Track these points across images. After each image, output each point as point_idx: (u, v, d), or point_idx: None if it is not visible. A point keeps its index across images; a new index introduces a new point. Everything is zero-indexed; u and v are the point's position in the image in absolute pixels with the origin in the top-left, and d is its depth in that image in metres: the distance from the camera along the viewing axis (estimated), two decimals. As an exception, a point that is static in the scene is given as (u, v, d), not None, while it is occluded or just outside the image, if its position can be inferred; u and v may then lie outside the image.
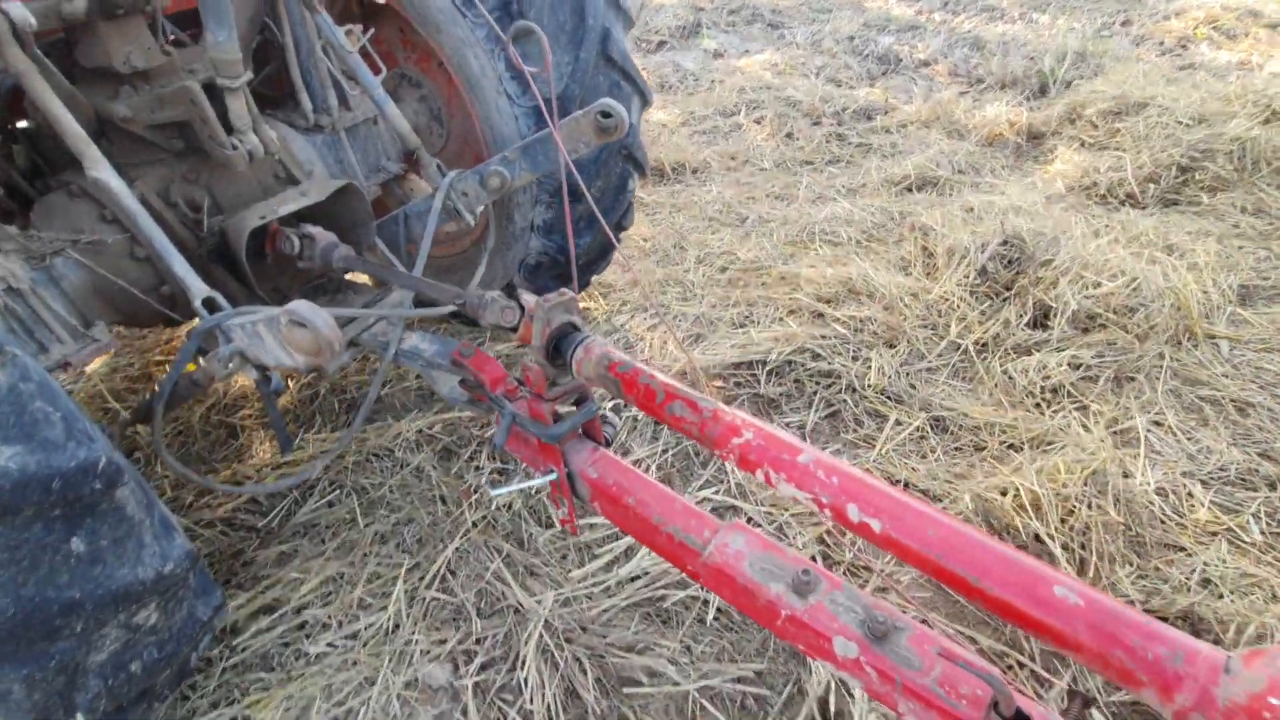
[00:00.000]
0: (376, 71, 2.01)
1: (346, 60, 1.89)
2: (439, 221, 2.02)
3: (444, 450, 2.39)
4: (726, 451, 1.22)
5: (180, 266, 1.42)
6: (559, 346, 1.51)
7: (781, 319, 2.91)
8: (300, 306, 1.09)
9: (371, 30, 2.08)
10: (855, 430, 2.43)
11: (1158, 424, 2.34)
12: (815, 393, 2.57)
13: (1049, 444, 2.18)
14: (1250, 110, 3.85)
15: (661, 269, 3.36)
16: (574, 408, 1.66)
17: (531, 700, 1.68)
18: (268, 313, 1.18)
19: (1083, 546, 1.78)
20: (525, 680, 1.71)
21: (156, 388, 1.45)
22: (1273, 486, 2.12)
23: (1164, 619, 1.73)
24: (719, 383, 2.66)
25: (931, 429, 2.37)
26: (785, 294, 3.04)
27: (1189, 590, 1.80)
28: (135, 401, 2.64)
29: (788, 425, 2.49)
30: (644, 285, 3.20)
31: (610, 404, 2.49)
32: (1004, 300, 2.76)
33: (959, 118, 4.65)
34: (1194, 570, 1.85)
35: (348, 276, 2.12)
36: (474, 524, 2.12)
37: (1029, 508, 1.91)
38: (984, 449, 2.27)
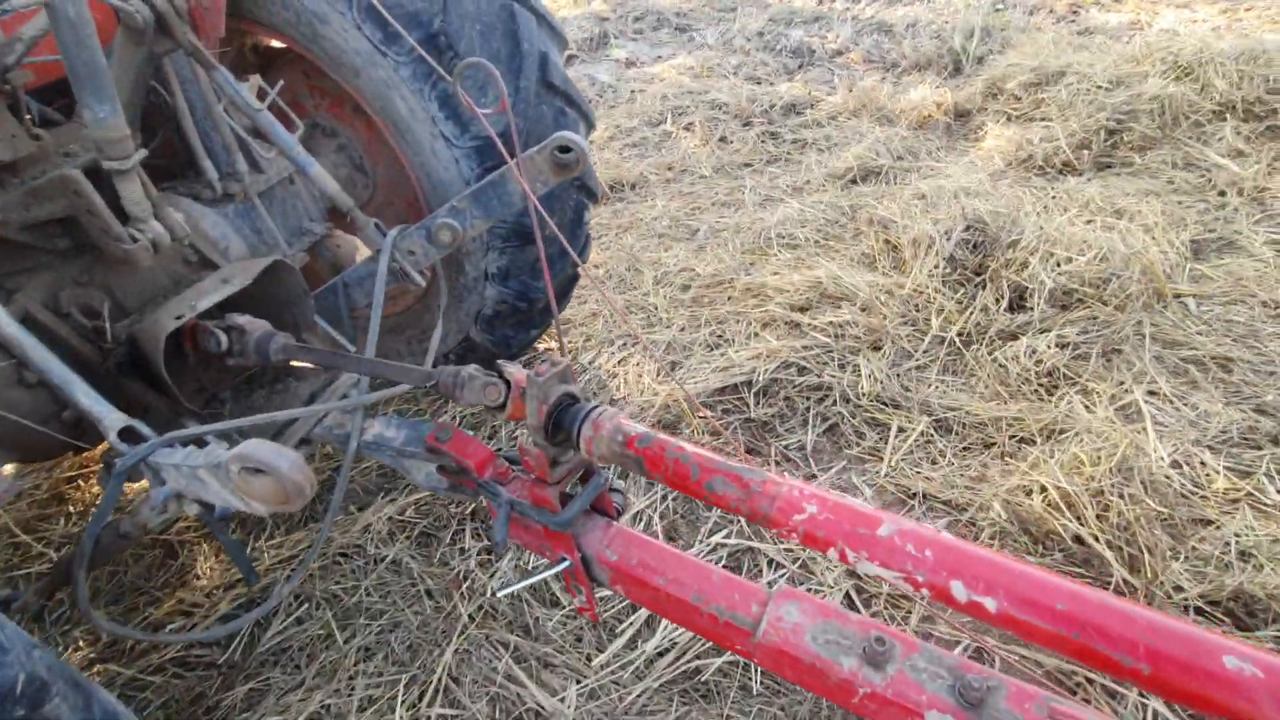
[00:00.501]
0: (292, 128, 1.76)
1: (256, 119, 1.64)
2: (384, 285, 1.79)
3: (421, 536, 2.14)
4: (788, 530, 1.05)
5: (83, 393, 1.16)
6: (560, 422, 1.31)
7: (757, 334, 2.77)
8: (256, 450, 0.86)
9: (281, 83, 1.83)
10: (858, 444, 2.31)
11: (1153, 394, 2.31)
12: (808, 409, 2.44)
13: (1060, 432, 2.12)
14: (1160, 69, 3.98)
15: (621, 295, 3.18)
16: (579, 483, 1.46)
17: (576, 823, 1.46)
18: (210, 457, 0.94)
19: (1128, 543, 1.70)
20: (565, 800, 1.49)
21: (79, 540, 1.18)
22: (1275, 441, 2.11)
23: (1217, 603, 1.66)
24: (706, 413, 2.50)
25: (936, 432, 2.27)
26: (755, 307, 2.91)
27: (1230, 567, 1.75)
28: (48, 532, 2.27)
29: (786, 448, 2.36)
30: (608, 315, 3.01)
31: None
32: (977, 286, 2.71)
33: (885, 104, 4.66)
34: (1227, 544, 1.80)
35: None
36: (470, 618, 1.89)
37: (1062, 506, 1.82)
38: (993, 446, 2.18)
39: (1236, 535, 1.82)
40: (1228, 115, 3.68)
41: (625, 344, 2.85)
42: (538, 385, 1.27)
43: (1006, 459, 2.11)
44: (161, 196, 1.44)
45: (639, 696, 1.68)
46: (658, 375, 2.67)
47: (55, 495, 2.43)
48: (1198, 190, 3.36)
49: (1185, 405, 2.25)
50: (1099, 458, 1.90)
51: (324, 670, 1.81)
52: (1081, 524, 1.75)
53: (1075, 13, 6.26)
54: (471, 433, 1.90)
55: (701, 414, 2.48)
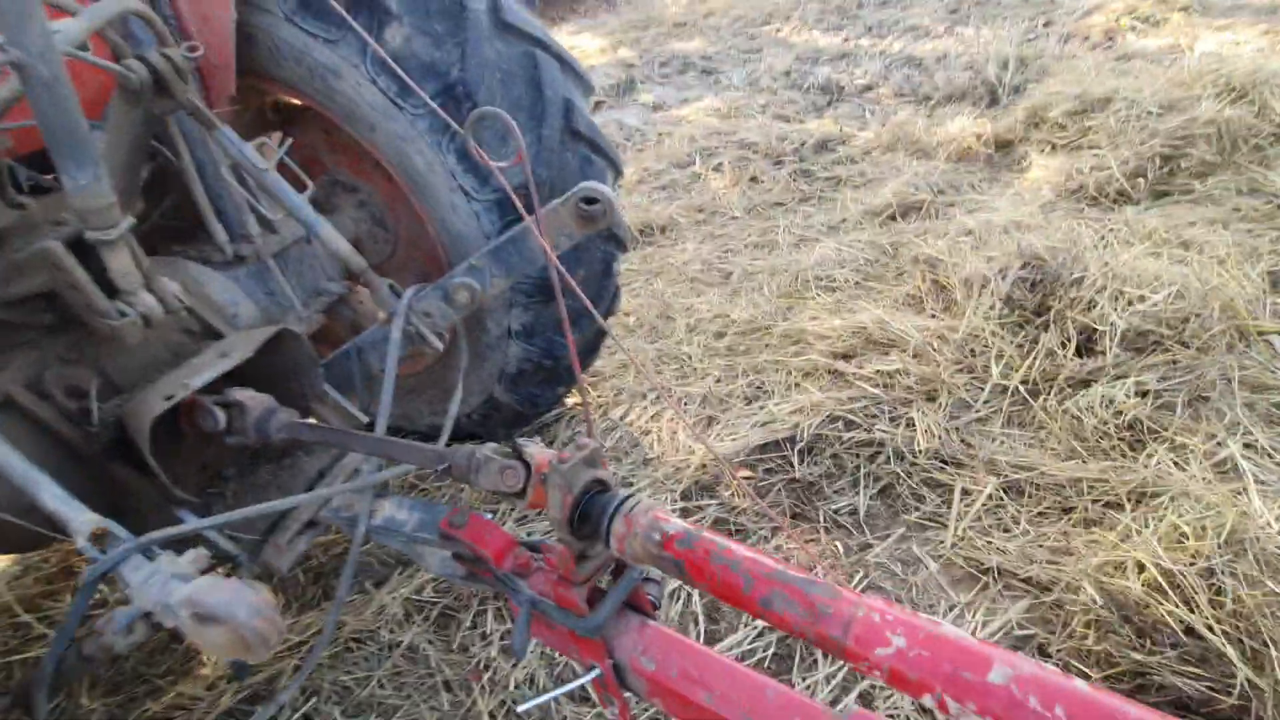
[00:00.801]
0: (301, 187, 1.66)
1: (263, 179, 1.54)
2: (400, 349, 1.66)
3: (440, 617, 1.96)
4: (869, 666, 0.86)
5: (49, 493, 1.03)
6: (587, 515, 1.14)
7: (798, 385, 2.59)
8: (210, 595, 0.71)
9: (289, 140, 1.74)
10: (916, 508, 2.09)
11: (1249, 447, 2.05)
12: (859, 467, 2.23)
13: (1151, 496, 1.87)
14: (1212, 91, 3.76)
15: (652, 345, 3.03)
16: (610, 575, 1.29)
17: None
18: (164, 590, 0.79)
19: (1249, 635, 1.45)
20: None
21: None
22: (1403, 502, 1.84)
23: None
24: (746, 473, 2.30)
25: (1006, 494, 2.04)
26: (795, 355, 2.73)
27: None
28: (53, 611, 2.16)
29: (836, 512, 2.14)
30: (638, 365, 2.86)
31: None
32: (1039, 329, 2.49)
33: (920, 137, 4.50)
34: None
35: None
36: (490, 716, 1.70)
37: (1165, 588, 1.57)
38: (1073, 511, 1.94)
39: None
40: (1292, 137, 3.44)
41: (658, 398, 2.69)
42: (561, 471, 1.11)
43: (1091, 528, 1.87)
44: (156, 265, 1.33)
45: (683, 817, 1.46)
46: (694, 431, 2.49)
47: (64, 568, 2.33)
48: (1267, 218, 3.11)
49: (1291, 461, 1.99)
50: (1203, 529, 1.66)
51: (332, 777, 1.63)
52: (1193, 610, 1.51)
53: (1111, 39, 6.07)
54: (491, 514, 1.73)
55: (740, 476, 2.28)
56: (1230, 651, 1.41)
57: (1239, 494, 1.86)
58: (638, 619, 1.34)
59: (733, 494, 2.25)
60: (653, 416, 2.65)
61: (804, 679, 1.71)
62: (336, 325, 2.14)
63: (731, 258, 3.66)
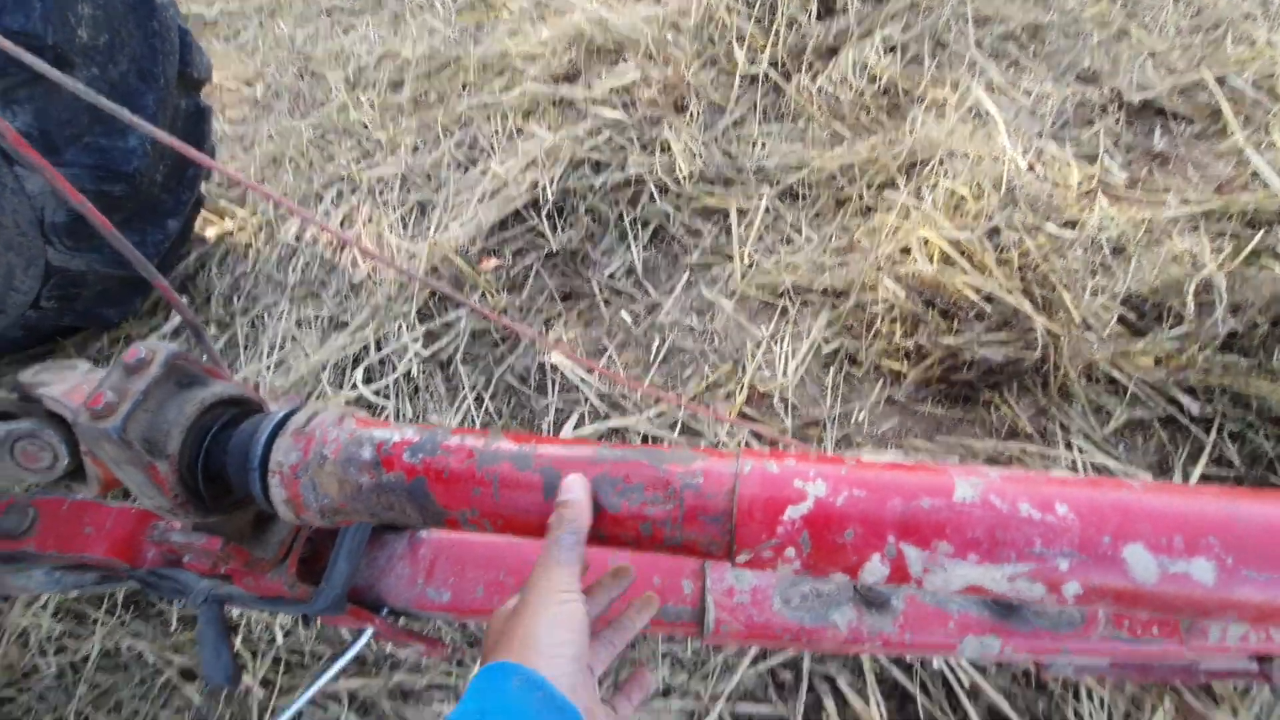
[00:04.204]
0: None
1: None
2: None
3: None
4: (778, 542, 0.51)
5: None
6: (215, 468, 0.59)
7: (520, 130, 1.99)
8: None
9: None
10: (695, 246, 1.78)
11: (990, 88, 1.98)
12: (622, 217, 1.82)
13: (921, 165, 1.73)
14: None
15: (304, 120, 2.14)
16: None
17: None
18: None
19: (1040, 284, 1.41)
20: None
21: None
22: (1104, 110, 1.92)
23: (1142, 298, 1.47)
24: (493, 262, 1.78)
25: (783, 203, 1.79)
26: (505, 90, 2.07)
27: (1110, 270, 1.56)
28: None
29: (611, 278, 1.76)
30: (301, 157, 2.00)
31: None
32: (773, -6, 2.09)
33: None
34: (1099, 241, 1.61)
35: None
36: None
37: (956, 258, 1.47)
38: (848, 202, 1.76)
39: (1100, 229, 1.63)
40: None
41: (344, 189, 1.93)
42: (125, 419, 0.52)
43: (870, 215, 1.71)
44: None
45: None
46: (405, 229, 1.85)
47: None
48: None
49: (1019, 92, 1.96)
50: (979, 187, 1.56)
51: None
52: (987, 275, 1.43)
53: None
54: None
55: (486, 269, 1.76)
56: (1026, 306, 1.37)
57: (990, 138, 1.80)
58: (402, 541, 0.89)
59: (483, 293, 1.75)
60: (344, 221, 1.92)
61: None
62: None
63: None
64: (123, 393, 0.54)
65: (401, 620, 0.87)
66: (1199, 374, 1.34)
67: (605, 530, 0.55)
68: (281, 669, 1.33)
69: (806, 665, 1.20)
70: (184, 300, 1.80)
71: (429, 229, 1.84)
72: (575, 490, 0.54)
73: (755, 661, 1.20)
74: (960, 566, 0.51)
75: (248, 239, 2.01)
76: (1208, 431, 1.34)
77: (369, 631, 0.85)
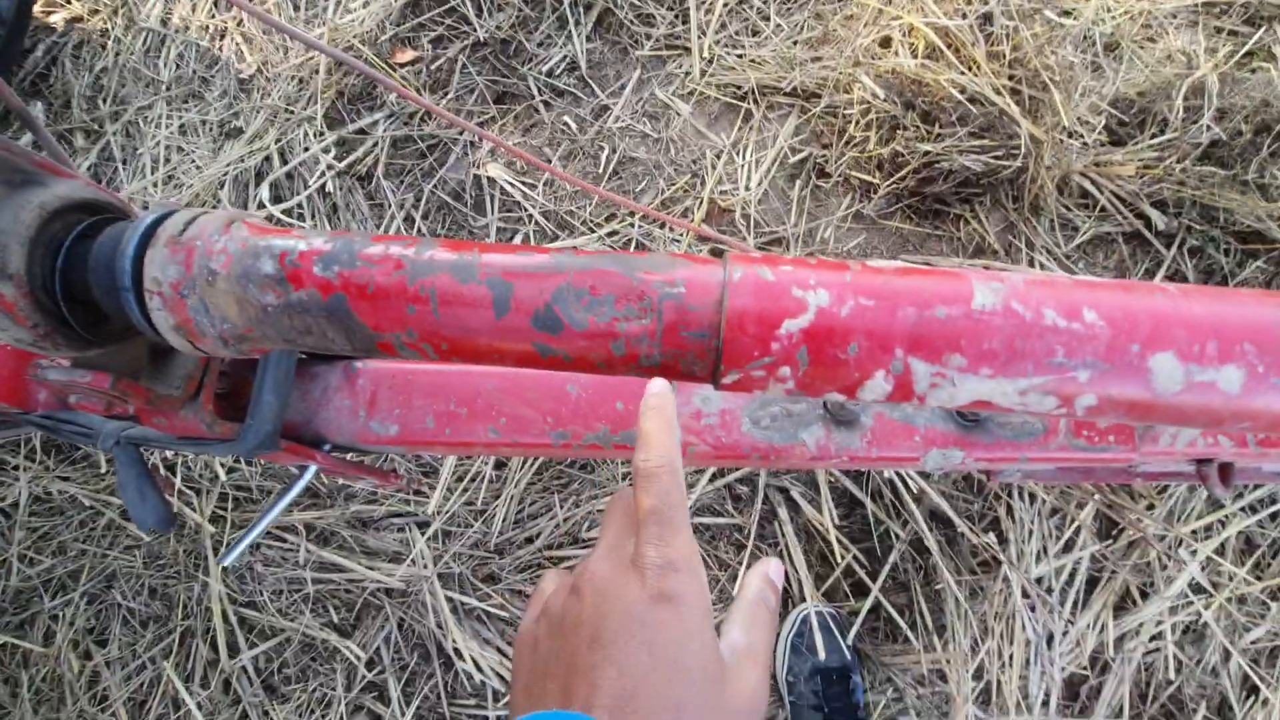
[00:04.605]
0: None
1: None
2: None
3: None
4: (772, 360, 0.48)
5: None
6: (75, 286, 0.47)
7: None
8: None
9: None
10: (647, 36, 1.55)
11: None
12: (554, 3, 1.55)
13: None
14: None
15: None
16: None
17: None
18: None
19: (1029, 83, 1.28)
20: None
21: None
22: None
23: (1130, 102, 1.39)
24: (409, 55, 1.51)
25: (748, -17, 1.55)
26: None
27: (1102, 71, 1.45)
28: None
29: (550, 75, 1.53)
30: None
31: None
32: None
33: None
34: (1091, 37, 1.47)
35: None
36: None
37: (942, 50, 1.32)
38: (824, -17, 1.53)
39: (1095, 24, 1.49)
40: None
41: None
42: None
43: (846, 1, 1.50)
44: None
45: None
46: (297, 10, 1.53)
47: None
48: None
49: None
50: (972, -38, 1.36)
51: None
52: (973, 72, 1.29)
53: None
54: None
55: (401, 62, 1.50)
56: (1013, 109, 1.25)
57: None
58: (336, 373, 0.81)
59: (398, 95, 1.50)
60: (209, 10, 1.58)
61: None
62: None
63: None
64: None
65: (349, 456, 0.81)
66: (1173, 186, 1.30)
67: (570, 350, 0.47)
68: (230, 504, 1.28)
69: (762, 480, 1.22)
70: (35, 106, 1.50)
71: (325, 10, 1.54)
72: (665, 395, 0.38)
73: (714, 479, 1.22)
74: (970, 381, 0.46)
75: (102, 24, 1.64)
76: (1169, 247, 1.32)
77: (312, 468, 0.78)
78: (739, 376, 0.46)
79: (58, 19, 1.69)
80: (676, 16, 1.55)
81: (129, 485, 0.73)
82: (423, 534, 1.23)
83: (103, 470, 1.34)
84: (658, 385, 0.38)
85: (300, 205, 1.43)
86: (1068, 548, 1.17)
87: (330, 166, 1.44)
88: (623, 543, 0.35)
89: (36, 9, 1.63)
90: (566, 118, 1.50)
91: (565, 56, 1.54)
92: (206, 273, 0.46)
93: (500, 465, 1.27)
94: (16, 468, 1.35)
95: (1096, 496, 1.16)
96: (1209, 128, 1.27)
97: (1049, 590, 1.14)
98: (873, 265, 0.49)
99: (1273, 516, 1.15)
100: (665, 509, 0.36)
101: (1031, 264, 1.33)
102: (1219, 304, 0.46)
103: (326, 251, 0.47)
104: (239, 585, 1.26)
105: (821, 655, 1.12)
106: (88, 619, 1.31)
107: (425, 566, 1.21)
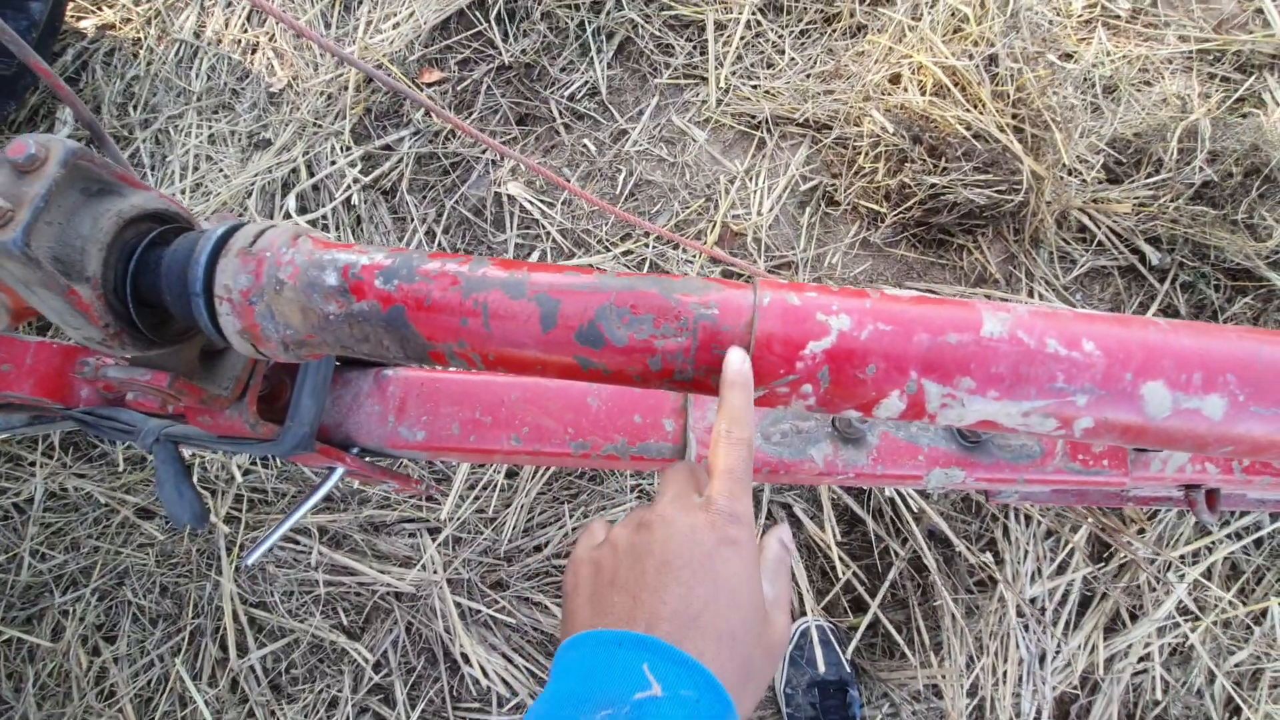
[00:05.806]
0: None
1: None
2: None
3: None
4: (795, 378, 0.49)
5: None
6: (145, 289, 0.51)
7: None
8: None
9: None
10: (666, 65, 1.61)
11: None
12: (583, 25, 1.61)
13: (918, -22, 1.56)
14: None
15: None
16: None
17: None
18: None
19: (1032, 122, 1.34)
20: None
21: None
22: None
23: (1126, 142, 1.44)
24: (436, 75, 1.57)
25: (764, 16, 1.61)
26: None
27: (1100, 111, 1.51)
28: None
29: (572, 99, 1.59)
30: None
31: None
32: None
33: None
34: (1091, 83, 1.54)
35: None
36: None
37: (949, 88, 1.38)
38: (837, 19, 1.60)
39: (1095, 66, 1.55)
40: None
41: (247, -20, 1.63)
42: (28, 232, 0.42)
43: (860, 34, 1.56)
44: None
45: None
46: (327, 29, 1.59)
47: None
48: None
49: (1029, -102, 1.75)
50: (982, 5, 1.42)
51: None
52: (979, 110, 1.35)
53: None
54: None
55: (429, 82, 1.55)
56: (1016, 146, 1.31)
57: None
58: (368, 379, 0.84)
59: (426, 112, 1.56)
60: (249, 18, 1.63)
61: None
62: None
63: None
64: (17, 199, 0.44)
65: (371, 459, 0.84)
66: (1167, 223, 1.35)
67: (609, 364, 0.51)
68: (245, 506, 1.31)
69: (766, 495, 1.26)
70: (64, 112, 1.54)
71: (356, 29, 1.59)
72: (746, 370, 0.42)
73: (719, 492, 1.25)
74: (978, 402, 0.50)
75: (135, 33, 1.70)
76: (1162, 281, 1.37)
77: (340, 470, 0.82)
78: (764, 392, 0.50)
79: (89, 25, 1.74)
80: (695, 47, 1.61)
81: (167, 482, 0.76)
82: (434, 539, 1.26)
83: (120, 468, 1.36)
84: (737, 359, 0.43)
85: (325, 217, 1.47)
86: (1061, 569, 1.20)
87: (356, 180, 1.48)
88: (688, 494, 0.40)
89: (67, 13, 1.68)
90: (586, 140, 1.55)
91: (586, 82, 1.59)
92: (275, 282, 0.50)
93: (512, 474, 1.31)
94: (33, 463, 1.38)
95: (1090, 520, 1.20)
96: (1201, 169, 1.33)
97: (1042, 610, 1.18)
98: (890, 293, 0.53)
99: (1257, 543, 1.19)
100: (739, 471, 0.41)
101: (1031, 294, 1.38)
102: (1205, 338, 0.51)
103: (387, 266, 0.51)
104: (250, 586, 1.29)
105: (820, 669, 1.15)
106: (98, 615, 1.33)
107: (435, 571, 1.24)
